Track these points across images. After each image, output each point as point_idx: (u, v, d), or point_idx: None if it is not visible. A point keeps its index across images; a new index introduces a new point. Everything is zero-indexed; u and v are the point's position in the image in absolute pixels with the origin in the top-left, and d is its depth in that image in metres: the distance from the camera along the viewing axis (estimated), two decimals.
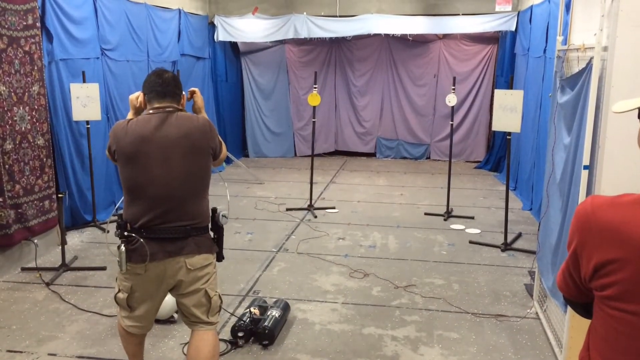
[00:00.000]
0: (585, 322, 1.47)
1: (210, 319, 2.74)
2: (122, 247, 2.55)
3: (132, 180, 2.60)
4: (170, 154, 2.56)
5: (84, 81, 5.71)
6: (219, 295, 2.78)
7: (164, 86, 2.68)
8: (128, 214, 2.61)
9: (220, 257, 2.81)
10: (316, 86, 6.70)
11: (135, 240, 2.55)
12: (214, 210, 2.77)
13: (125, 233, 2.57)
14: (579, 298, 1.45)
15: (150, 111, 2.65)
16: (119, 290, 2.71)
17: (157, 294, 2.70)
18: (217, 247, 2.76)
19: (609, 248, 1.26)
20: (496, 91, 5.44)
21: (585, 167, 2.90)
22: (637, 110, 1.33)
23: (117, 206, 6.61)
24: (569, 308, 3.04)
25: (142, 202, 2.57)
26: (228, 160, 8.70)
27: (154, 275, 2.61)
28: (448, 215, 6.47)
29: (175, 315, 3.77)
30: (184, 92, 2.79)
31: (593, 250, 1.30)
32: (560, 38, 3.79)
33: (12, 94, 4.67)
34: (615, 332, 1.28)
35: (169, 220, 2.56)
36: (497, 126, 5.33)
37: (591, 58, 2.90)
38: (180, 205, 2.58)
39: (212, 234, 2.76)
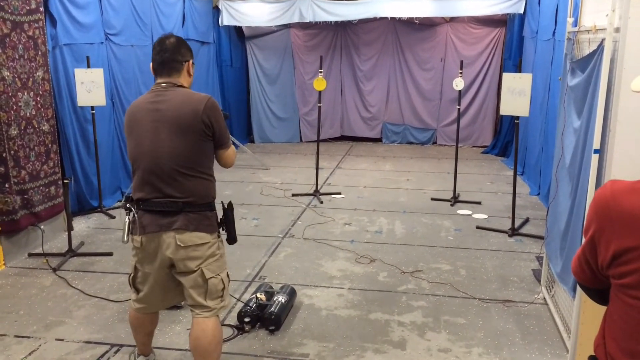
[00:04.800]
0: (598, 308, 1.44)
1: (209, 302, 2.65)
2: (126, 218, 2.62)
3: (130, 153, 2.67)
4: (160, 128, 2.54)
5: (89, 66, 5.67)
6: (222, 279, 2.69)
7: (161, 53, 2.64)
8: (132, 186, 2.69)
9: (229, 240, 2.78)
10: (322, 71, 6.63)
11: (135, 212, 2.62)
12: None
13: (128, 205, 2.64)
14: (595, 284, 1.41)
15: (153, 87, 2.67)
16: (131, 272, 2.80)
17: (156, 272, 2.68)
18: (217, 228, 2.70)
19: (628, 235, 1.23)
20: (504, 75, 5.37)
21: (596, 151, 2.85)
22: None
23: (126, 193, 6.62)
24: (577, 294, 3.01)
25: (138, 175, 2.62)
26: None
27: (151, 250, 2.63)
28: (455, 200, 6.43)
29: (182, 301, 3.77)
30: (190, 60, 2.69)
31: (612, 237, 1.26)
32: (570, 20, 3.72)
33: (17, 79, 4.65)
34: (632, 321, 1.25)
35: (161, 195, 2.57)
36: (505, 110, 5.27)
37: (603, 40, 2.84)
38: (171, 180, 2.55)
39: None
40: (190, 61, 2.71)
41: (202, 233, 2.61)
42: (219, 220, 2.73)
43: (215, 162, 2.73)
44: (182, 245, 2.57)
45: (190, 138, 2.54)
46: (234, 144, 2.94)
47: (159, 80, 2.66)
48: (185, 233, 2.57)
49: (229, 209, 2.74)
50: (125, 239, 2.64)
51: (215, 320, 2.70)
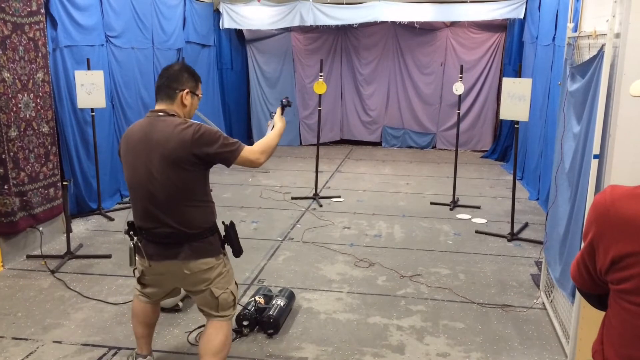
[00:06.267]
0: (597, 314, 1.44)
1: (221, 313, 2.74)
2: (131, 244, 2.65)
3: (126, 179, 2.66)
4: (153, 160, 2.50)
5: (89, 68, 5.68)
6: (232, 291, 2.75)
7: (160, 80, 2.64)
8: (133, 213, 2.70)
9: (235, 253, 2.78)
10: (322, 74, 6.64)
11: (138, 238, 2.65)
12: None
13: (131, 232, 2.66)
14: (593, 290, 1.41)
15: (149, 113, 2.63)
16: (136, 268, 2.83)
17: (164, 286, 2.82)
18: (222, 249, 2.71)
19: (627, 241, 1.22)
20: (504, 79, 5.37)
21: (595, 157, 2.86)
22: None
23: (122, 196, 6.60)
24: (576, 299, 3.01)
25: (136, 205, 2.63)
26: None
27: (158, 272, 2.71)
28: (454, 204, 6.43)
29: (181, 304, 3.77)
30: (186, 89, 2.62)
31: (611, 243, 1.26)
32: (570, 25, 3.72)
33: (17, 80, 4.65)
34: (631, 327, 1.25)
35: (160, 225, 2.56)
36: (505, 115, 5.27)
37: (603, 45, 2.85)
38: (169, 212, 2.53)
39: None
40: (186, 90, 2.62)
41: (207, 259, 2.62)
42: (222, 238, 2.73)
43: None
44: (189, 272, 2.61)
45: (181, 171, 2.49)
46: None
47: (156, 107, 2.64)
48: (190, 262, 2.59)
49: (230, 228, 2.74)
50: (131, 264, 2.72)
51: (229, 324, 2.78)
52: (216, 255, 2.67)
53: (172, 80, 2.62)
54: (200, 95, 2.75)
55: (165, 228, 2.55)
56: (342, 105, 10.57)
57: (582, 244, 1.39)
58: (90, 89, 5.58)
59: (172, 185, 2.50)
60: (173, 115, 2.59)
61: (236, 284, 2.83)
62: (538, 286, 4.18)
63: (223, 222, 2.77)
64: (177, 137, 2.46)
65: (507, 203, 6.22)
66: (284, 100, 3.07)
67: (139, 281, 2.85)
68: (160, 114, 2.58)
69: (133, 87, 6.77)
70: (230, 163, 2.58)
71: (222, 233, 2.75)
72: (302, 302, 3.96)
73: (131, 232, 2.66)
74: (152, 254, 2.62)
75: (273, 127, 2.88)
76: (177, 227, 2.54)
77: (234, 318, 3.53)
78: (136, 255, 2.70)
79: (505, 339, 3.50)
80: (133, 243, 2.65)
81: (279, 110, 2.97)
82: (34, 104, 4.86)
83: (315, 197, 6.68)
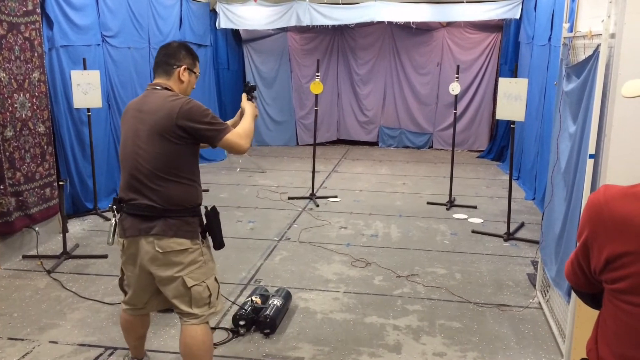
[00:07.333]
0: (593, 313, 1.45)
1: (195, 310, 2.60)
2: (112, 220, 2.62)
3: (119, 152, 2.67)
4: (140, 130, 2.52)
5: (85, 68, 5.67)
6: (208, 286, 2.62)
7: (158, 57, 2.67)
8: (119, 185, 2.69)
9: (215, 245, 2.72)
10: (319, 74, 6.64)
11: (119, 214, 2.62)
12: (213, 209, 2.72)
13: (115, 207, 2.62)
14: (588, 289, 1.42)
15: (148, 87, 2.67)
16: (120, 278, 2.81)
17: (137, 276, 2.67)
18: (199, 234, 2.62)
19: (621, 240, 1.23)
20: (500, 79, 5.38)
21: (591, 156, 2.87)
22: None
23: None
24: (572, 298, 3.02)
25: (124, 176, 2.62)
26: None
27: (131, 253, 2.63)
28: (450, 204, 6.44)
29: None
30: (184, 65, 2.64)
31: (605, 242, 1.26)
32: (566, 25, 3.74)
33: (13, 80, 4.64)
34: (625, 326, 1.25)
35: (142, 197, 2.53)
36: (501, 115, 5.28)
37: (598, 45, 2.85)
38: (151, 184, 2.50)
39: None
40: (183, 67, 2.64)
41: (181, 239, 2.53)
42: (203, 226, 2.67)
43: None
44: (160, 251, 2.51)
45: (166, 142, 2.47)
46: None
47: (154, 81, 2.68)
48: (163, 239, 2.51)
49: (211, 214, 2.68)
50: (110, 240, 2.65)
51: (204, 326, 2.65)
52: (192, 239, 2.56)
53: (169, 56, 2.65)
54: (197, 74, 2.76)
55: (145, 200, 2.51)
56: (338, 105, 10.58)
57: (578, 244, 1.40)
58: (86, 89, 5.57)
59: (157, 155, 2.48)
60: (167, 89, 2.61)
61: (217, 280, 2.69)
62: (534, 286, 4.19)
63: (205, 207, 2.69)
64: (165, 108, 2.48)
65: (503, 203, 6.23)
66: (246, 86, 2.99)
67: (121, 286, 2.80)
68: (157, 87, 2.61)
69: (129, 87, 6.76)
70: (215, 143, 2.54)
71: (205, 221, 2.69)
72: (298, 302, 3.96)
73: (114, 208, 2.62)
74: (127, 227, 2.57)
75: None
76: (157, 200, 2.49)
77: (231, 318, 3.56)
78: (115, 235, 2.64)
79: (502, 338, 3.51)
80: (115, 220, 2.62)
81: (244, 96, 2.93)
82: (29, 104, 4.85)
83: (312, 197, 6.68)
